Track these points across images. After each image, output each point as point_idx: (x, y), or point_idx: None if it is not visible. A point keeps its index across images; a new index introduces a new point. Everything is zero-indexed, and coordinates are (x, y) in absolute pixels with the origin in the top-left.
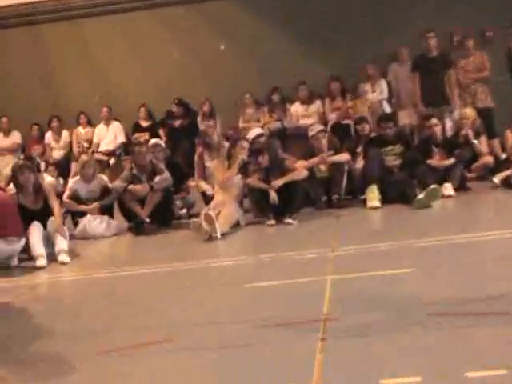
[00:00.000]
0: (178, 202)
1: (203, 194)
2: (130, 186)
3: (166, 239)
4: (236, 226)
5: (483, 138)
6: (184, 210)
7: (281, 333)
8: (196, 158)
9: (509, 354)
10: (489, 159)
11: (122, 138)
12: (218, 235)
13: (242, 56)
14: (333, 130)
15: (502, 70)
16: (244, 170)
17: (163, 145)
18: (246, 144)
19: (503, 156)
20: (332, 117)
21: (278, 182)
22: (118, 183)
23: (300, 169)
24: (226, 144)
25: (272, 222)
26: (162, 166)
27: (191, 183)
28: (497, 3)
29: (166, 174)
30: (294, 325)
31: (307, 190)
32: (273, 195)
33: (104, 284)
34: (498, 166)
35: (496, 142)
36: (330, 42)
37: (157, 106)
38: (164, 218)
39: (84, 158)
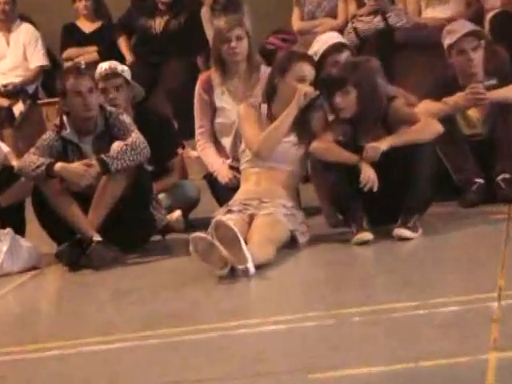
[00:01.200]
0: (163, 198)
1: (210, 176)
2: (58, 166)
3: (140, 277)
4: (289, 245)
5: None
6: (177, 213)
7: None
8: (196, 93)
9: None
10: None
11: (40, 61)
12: (251, 269)
13: None
14: (494, 29)
15: None
16: (305, 123)
17: (129, 72)
18: (308, 67)
19: None
20: (494, 2)
21: (378, 148)
22: (32, 160)
23: (425, 119)
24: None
25: (366, 235)
26: (125, 118)
27: (188, 154)
28: None
29: (136, 136)
30: None
31: (444, 164)
32: (368, 176)
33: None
34: None
35: None
36: None
37: None
38: (133, 231)
39: None
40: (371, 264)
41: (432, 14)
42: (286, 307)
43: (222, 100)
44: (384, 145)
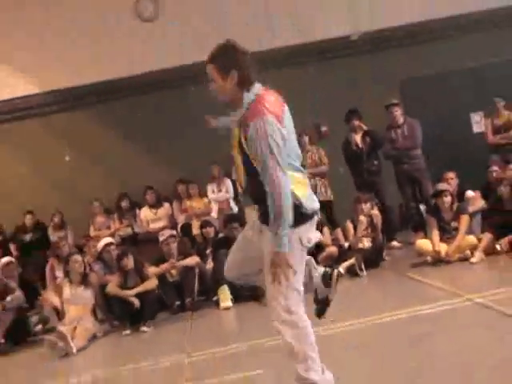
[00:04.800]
0: (34, 318)
1: (55, 308)
2: None
3: (22, 359)
4: (93, 338)
5: (326, 230)
6: (39, 326)
7: None
8: (47, 270)
9: None
10: (333, 249)
11: None
12: (74, 351)
13: (89, 166)
14: (182, 230)
15: (341, 163)
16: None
17: (14, 261)
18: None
19: (346, 245)
20: (181, 218)
21: (131, 293)
22: None
23: (151, 276)
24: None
25: (127, 331)
26: (13, 284)
27: (44, 297)
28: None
29: (18, 292)
30: None
31: (161, 295)
32: (135, 301)
33: None
34: (342, 255)
35: (338, 232)
36: (175, 147)
37: (6, 222)
38: (19, 336)
39: None
40: (131, 345)
41: (153, 224)
42: (92, 366)
43: (59, 272)
44: (133, 291)
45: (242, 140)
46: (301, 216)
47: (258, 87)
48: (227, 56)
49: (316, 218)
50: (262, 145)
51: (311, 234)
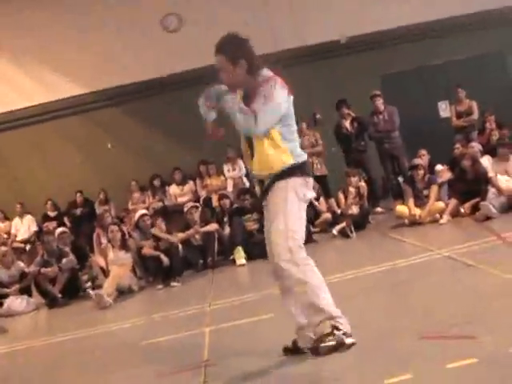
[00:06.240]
0: (85, 277)
1: (101, 268)
2: (43, 269)
3: (76, 310)
4: (130, 292)
5: (322, 200)
6: (89, 283)
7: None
8: (94, 237)
9: None
10: (327, 215)
11: (34, 228)
12: (108, 305)
13: (127, 152)
14: (204, 202)
15: (333, 143)
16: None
17: (68, 231)
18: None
19: (338, 211)
20: (203, 193)
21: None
22: (33, 268)
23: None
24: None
25: (160, 286)
26: (67, 249)
27: (93, 259)
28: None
29: (71, 256)
30: (179, 374)
31: (187, 256)
32: (165, 259)
33: (30, 354)
34: (335, 219)
35: (332, 201)
36: (197, 135)
37: (61, 199)
38: (73, 292)
39: (3, 248)
40: (163, 298)
41: (180, 199)
42: (131, 315)
43: (104, 239)
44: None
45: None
46: (292, 167)
47: (266, 70)
48: (234, 46)
49: (311, 180)
50: (267, 99)
51: (306, 190)
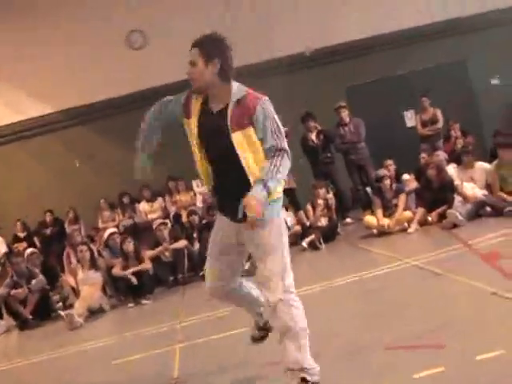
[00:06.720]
0: (56, 297)
1: (72, 287)
2: (13, 291)
3: (47, 331)
4: (101, 311)
5: (290, 213)
6: (60, 304)
7: None
8: (64, 257)
9: None
10: (297, 228)
11: (4, 249)
12: (79, 325)
13: (95, 170)
14: (174, 219)
15: (300, 155)
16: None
17: (37, 252)
18: None
19: (307, 224)
20: (172, 209)
21: (128, 272)
22: (3, 290)
23: (147, 259)
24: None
25: (131, 304)
26: (36, 270)
27: (63, 279)
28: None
29: (41, 276)
30: None
31: (157, 273)
32: (133, 279)
33: (2, 377)
34: (305, 232)
35: (301, 214)
36: (165, 151)
37: (31, 219)
38: (44, 313)
39: None
40: (134, 316)
41: (150, 215)
42: (103, 334)
43: (74, 259)
44: (131, 270)
45: (234, 133)
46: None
47: (239, 84)
48: (214, 44)
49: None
50: (274, 122)
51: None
